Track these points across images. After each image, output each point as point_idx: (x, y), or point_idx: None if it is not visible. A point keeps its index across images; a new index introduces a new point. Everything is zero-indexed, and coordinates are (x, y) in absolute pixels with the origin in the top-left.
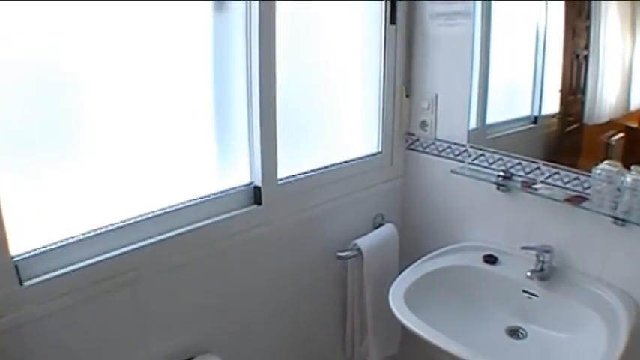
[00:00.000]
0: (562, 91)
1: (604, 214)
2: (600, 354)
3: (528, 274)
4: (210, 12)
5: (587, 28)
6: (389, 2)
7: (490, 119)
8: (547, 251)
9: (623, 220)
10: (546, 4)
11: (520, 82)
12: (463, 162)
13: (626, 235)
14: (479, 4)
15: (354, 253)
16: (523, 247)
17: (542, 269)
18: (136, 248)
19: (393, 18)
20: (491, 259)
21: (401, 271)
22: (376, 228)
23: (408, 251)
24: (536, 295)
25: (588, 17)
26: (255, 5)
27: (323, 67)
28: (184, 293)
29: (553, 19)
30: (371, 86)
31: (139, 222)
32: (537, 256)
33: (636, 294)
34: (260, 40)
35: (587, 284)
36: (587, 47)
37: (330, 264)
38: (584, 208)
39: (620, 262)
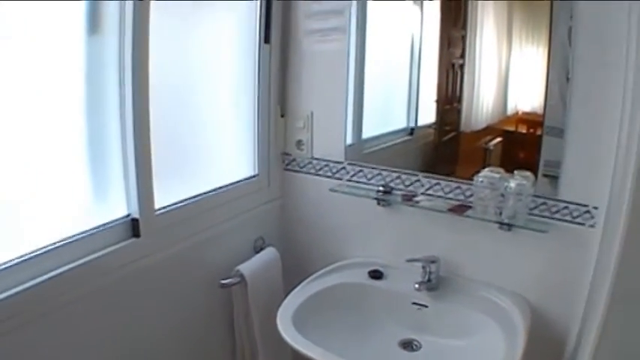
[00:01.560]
0: (438, 100)
1: (489, 221)
2: (500, 358)
3: (416, 286)
4: (83, 36)
5: (463, 38)
6: (263, 21)
7: (367, 133)
8: (433, 262)
9: (509, 224)
10: (422, 15)
11: (396, 94)
12: (341, 179)
13: (513, 239)
14: (354, 19)
15: (238, 279)
16: (408, 260)
17: (429, 280)
18: (10, 296)
19: (267, 37)
20: (377, 275)
21: (287, 294)
22: (258, 252)
23: (293, 273)
24: (426, 306)
25: (464, 27)
26: (129, 28)
27: (198, 90)
28: (69, 334)
29: (428, 29)
30: (246, 108)
31: (10, 267)
32: (424, 267)
33: (528, 295)
34: (133, 64)
35: (478, 290)
36: (462, 56)
37: (215, 293)
38: (469, 217)
39: (510, 266)
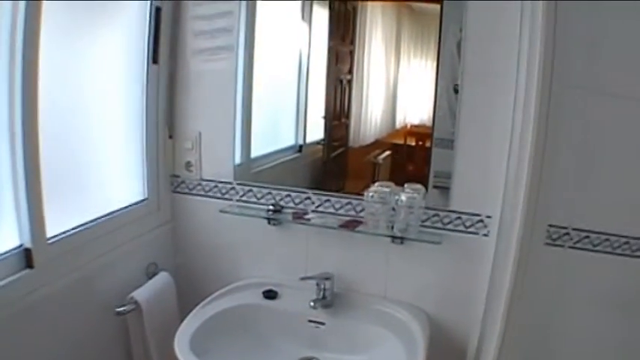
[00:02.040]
0: (326, 117)
1: (382, 235)
2: None
3: (312, 304)
4: None
5: (351, 53)
6: (151, 41)
7: (256, 152)
8: (327, 279)
9: (401, 238)
10: (310, 31)
11: (284, 111)
12: (231, 200)
13: (406, 251)
14: (242, 37)
15: (132, 306)
16: (302, 278)
17: (324, 297)
18: None
19: (155, 57)
20: (271, 295)
21: (183, 319)
22: (150, 278)
23: (188, 296)
24: (322, 324)
25: (352, 42)
26: (19, 52)
27: (87, 114)
28: None
29: (317, 45)
30: (134, 129)
31: None
32: (318, 285)
33: (426, 306)
34: (23, 87)
35: (374, 304)
36: (351, 72)
37: (111, 321)
38: (361, 232)
39: (405, 278)
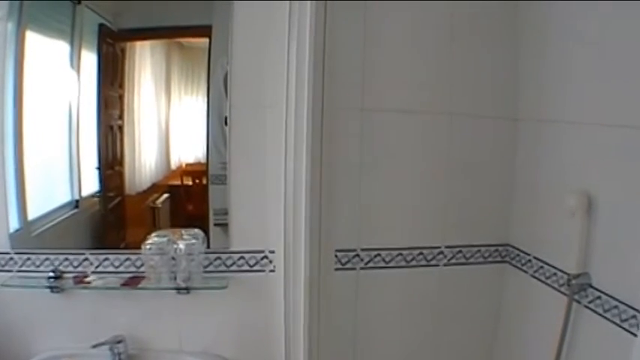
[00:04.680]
0: (100, 166)
1: (166, 288)
2: None
3: None
4: None
5: (121, 97)
6: None
7: (35, 213)
8: (119, 342)
9: (186, 288)
10: (79, 78)
11: (58, 165)
12: (11, 271)
13: (194, 301)
14: (9, 91)
15: None
16: (94, 346)
17: None
18: None
19: None
20: None
21: None
22: None
23: None
24: None
25: (121, 86)
26: None
27: None
28: None
29: (86, 93)
30: None
31: None
32: (111, 349)
33: (223, 351)
34: None
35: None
36: (121, 117)
37: None
38: (144, 288)
39: (197, 327)
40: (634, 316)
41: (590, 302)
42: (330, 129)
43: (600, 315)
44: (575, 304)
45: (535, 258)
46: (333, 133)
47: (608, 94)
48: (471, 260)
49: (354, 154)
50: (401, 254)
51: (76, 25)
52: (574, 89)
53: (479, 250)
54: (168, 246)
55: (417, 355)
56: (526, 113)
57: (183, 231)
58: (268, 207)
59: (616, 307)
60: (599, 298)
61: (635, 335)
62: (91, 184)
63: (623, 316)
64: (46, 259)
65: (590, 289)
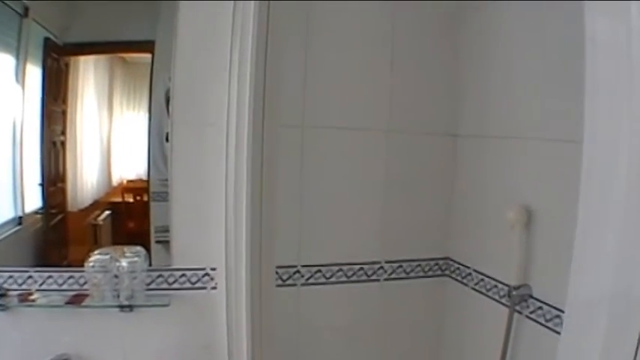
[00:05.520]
0: (43, 183)
1: (109, 306)
2: None
3: None
4: None
5: (64, 113)
6: None
7: None
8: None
9: (129, 305)
10: (23, 93)
11: (1, 181)
12: None
13: (137, 318)
14: None
15: None
16: None
17: None
18: None
19: None
20: None
21: None
22: None
23: None
24: None
25: (65, 101)
26: None
27: None
28: None
29: (30, 107)
30: None
31: None
32: None
33: None
34: None
35: None
36: (64, 132)
37: None
38: (88, 306)
39: (142, 346)
40: None
41: (531, 312)
42: (270, 146)
43: (542, 325)
44: (516, 314)
45: (475, 271)
46: (274, 150)
47: (547, 110)
48: (412, 274)
49: (294, 171)
50: (341, 270)
51: (22, 38)
52: (513, 104)
53: (419, 265)
54: (111, 264)
55: None
56: (465, 129)
57: (125, 248)
58: (209, 224)
59: (557, 316)
60: (540, 308)
61: None
62: (34, 201)
63: None
64: None
65: (531, 300)
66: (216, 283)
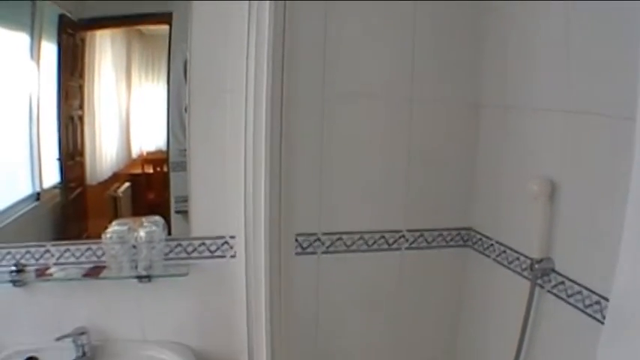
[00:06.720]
0: (61, 157)
1: (127, 277)
2: None
3: None
4: None
5: (81, 87)
6: None
7: None
8: (82, 333)
9: (148, 276)
10: (38, 68)
11: (18, 158)
12: None
13: (155, 289)
14: None
15: None
16: (57, 339)
17: (84, 354)
18: None
19: None
20: None
21: None
22: None
23: None
24: None
25: (82, 75)
26: None
27: None
28: None
29: (47, 83)
30: None
31: None
32: (74, 341)
33: (187, 340)
34: None
35: (135, 350)
36: (82, 107)
37: None
38: (106, 278)
39: (160, 316)
40: (597, 302)
41: (553, 287)
42: (290, 114)
43: (563, 300)
44: (538, 288)
45: (497, 242)
46: (294, 118)
47: (572, 81)
48: (433, 244)
49: (314, 139)
50: (362, 238)
51: (36, 17)
52: (538, 75)
53: (441, 234)
54: (129, 234)
55: (378, 338)
56: (489, 99)
57: (143, 219)
58: (228, 193)
59: (579, 292)
60: (562, 283)
61: (599, 322)
62: (52, 176)
63: (587, 302)
64: (8, 253)
65: (553, 274)
66: (235, 252)
